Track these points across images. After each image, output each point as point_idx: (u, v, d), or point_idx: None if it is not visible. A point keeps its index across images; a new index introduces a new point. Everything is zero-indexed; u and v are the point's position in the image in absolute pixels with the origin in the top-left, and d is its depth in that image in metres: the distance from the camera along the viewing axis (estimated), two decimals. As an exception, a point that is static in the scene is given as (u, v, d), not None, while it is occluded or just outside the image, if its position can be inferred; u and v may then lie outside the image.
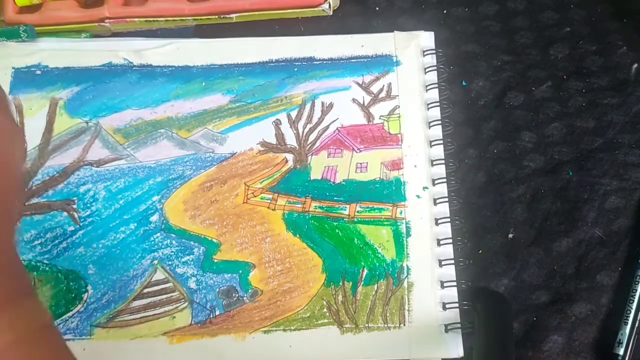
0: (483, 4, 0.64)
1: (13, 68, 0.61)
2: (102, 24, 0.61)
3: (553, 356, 0.53)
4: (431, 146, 0.58)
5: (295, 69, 0.61)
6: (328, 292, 0.54)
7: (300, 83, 0.61)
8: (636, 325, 0.53)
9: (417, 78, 0.60)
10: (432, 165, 0.57)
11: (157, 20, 0.62)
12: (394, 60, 0.61)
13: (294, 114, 0.60)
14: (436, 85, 0.60)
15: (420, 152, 0.58)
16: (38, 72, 0.61)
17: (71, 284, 0.54)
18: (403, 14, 0.64)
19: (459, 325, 0.52)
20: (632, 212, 0.57)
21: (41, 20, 0.61)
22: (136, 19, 0.61)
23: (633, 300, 0.54)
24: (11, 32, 0.60)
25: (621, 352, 0.52)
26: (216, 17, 0.62)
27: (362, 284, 0.54)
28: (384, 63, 0.61)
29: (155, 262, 0.55)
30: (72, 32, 0.62)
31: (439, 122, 0.59)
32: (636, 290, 0.54)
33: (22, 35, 0.60)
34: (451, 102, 0.60)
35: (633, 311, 0.53)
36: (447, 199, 0.56)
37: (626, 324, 0.53)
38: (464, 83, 0.61)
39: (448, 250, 0.55)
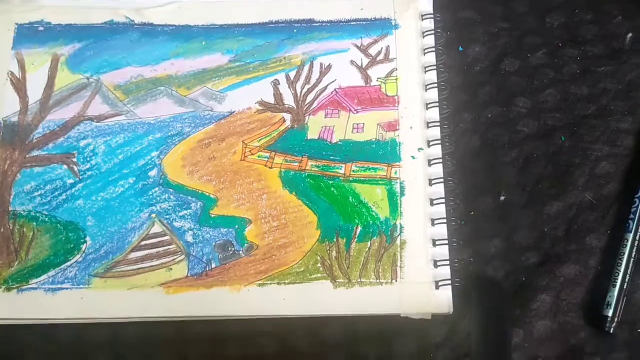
0: (482, -29, 0.65)
1: (16, 24, 0.62)
2: (105, -19, 0.62)
3: (541, 315, 0.54)
4: (427, 109, 0.59)
5: (295, 30, 0.62)
6: (322, 248, 0.55)
7: (299, 44, 0.62)
8: (624, 287, 0.54)
9: (414, 41, 0.61)
10: (428, 127, 0.58)
11: (159, -21, 0.62)
12: (393, 23, 0.62)
13: (292, 74, 0.61)
14: (433, 49, 0.61)
15: (416, 114, 0.59)
16: (40, 28, 0.62)
17: (70, 234, 0.55)
18: (403, -21, 0.64)
19: (449, 282, 0.54)
20: (622, 177, 0.58)
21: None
22: (138, -23, 0.62)
23: (621, 263, 0.55)
24: (14, -14, 0.61)
25: (610, 313, 0.53)
26: (218, -23, 0.63)
27: (355, 240, 0.55)
28: (383, 26, 0.62)
29: (153, 215, 0.56)
30: (75, -12, 0.63)
31: (435, 85, 0.59)
32: (624, 253, 0.55)
33: (24, -10, 0.60)
34: (447, 67, 0.61)
35: (621, 273, 0.54)
36: (441, 160, 0.57)
37: (614, 286, 0.54)
38: (460, 48, 0.62)
39: (441, 210, 0.56)
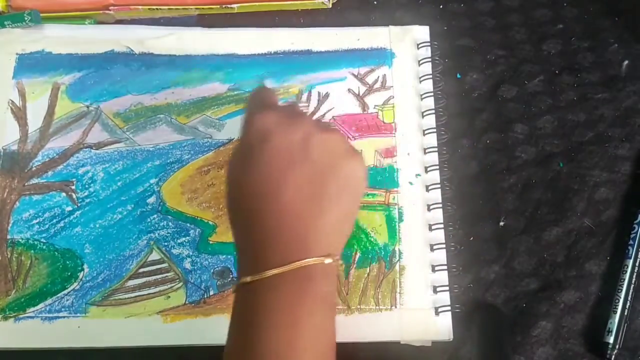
0: (478, 0, 0.66)
1: (17, 54, 0.62)
2: (106, 11, 0.63)
3: (542, 341, 0.54)
4: (424, 135, 0.59)
5: (293, 61, 0.63)
6: (321, 274, 0.55)
7: (298, 74, 0.62)
8: (625, 313, 0.54)
9: (411, 69, 0.62)
10: (425, 153, 0.59)
11: (160, 9, 0.63)
12: (389, 52, 0.63)
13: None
14: (430, 77, 0.61)
15: (414, 140, 0.59)
16: (41, 57, 0.62)
17: (67, 262, 0.55)
18: (400, 8, 0.65)
19: (449, 308, 0.53)
20: (621, 203, 0.58)
21: (47, 6, 0.62)
22: (140, 7, 0.63)
23: (621, 290, 0.54)
24: (16, 16, 0.61)
25: (611, 340, 0.53)
26: (218, 6, 0.64)
27: (354, 266, 0.55)
28: (379, 56, 0.63)
29: (152, 242, 0.56)
30: (77, 18, 0.63)
31: (433, 112, 0.60)
32: (624, 279, 0.55)
33: (26, 19, 0.61)
34: (446, 94, 0.61)
35: (621, 300, 0.54)
36: (439, 185, 0.57)
37: (615, 312, 0.54)
38: (458, 76, 0.63)
39: (439, 236, 0.56)
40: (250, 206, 0.42)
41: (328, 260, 0.40)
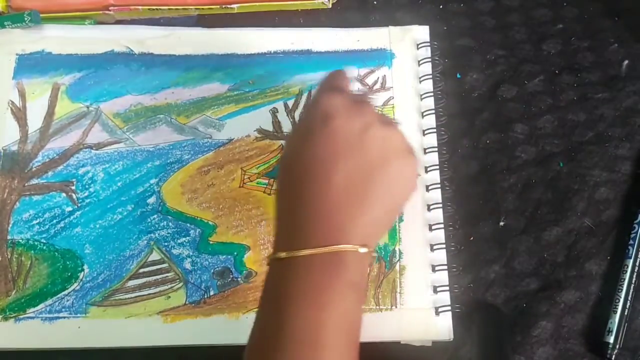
0: (478, 0, 0.66)
1: (17, 54, 0.62)
2: (106, 11, 0.63)
3: (542, 342, 0.54)
4: (424, 135, 0.59)
5: (293, 61, 0.63)
6: (321, 274, 0.55)
7: (298, 74, 0.62)
8: (625, 313, 0.54)
9: (411, 70, 0.62)
10: (425, 153, 0.59)
11: (160, 9, 0.63)
12: (389, 53, 0.63)
13: (290, 103, 0.61)
14: (430, 77, 0.61)
15: (414, 140, 0.59)
16: (41, 58, 0.62)
17: (68, 262, 0.55)
18: (400, 8, 0.65)
19: (449, 308, 0.53)
20: (621, 203, 0.58)
21: (46, 6, 0.62)
22: (140, 7, 0.63)
23: (621, 289, 0.54)
24: (16, 17, 0.61)
25: (611, 340, 0.53)
26: (218, 7, 0.64)
27: (354, 266, 0.55)
28: (379, 57, 0.63)
29: (152, 243, 0.56)
30: (77, 18, 0.63)
31: (432, 112, 0.60)
32: (624, 279, 0.55)
33: (26, 20, 0.61)
34: (445, 94, 0.61)
35: (622, 300, 0.54)
36: (439, 186, 0.57)
37: (615, 312, 0.54)
38: (458, 76, 0.63)
39: (439, 236, 0.56)
40: (298, 184, 0.42)
41: (363, 250, 0.41)
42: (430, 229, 0.56)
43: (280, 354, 0.39)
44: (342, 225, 0.41)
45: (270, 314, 0.41)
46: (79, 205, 0.57)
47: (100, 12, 0.63)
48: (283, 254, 0.41)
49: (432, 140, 0.59)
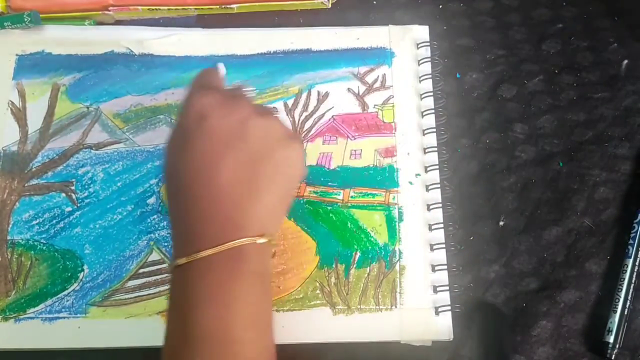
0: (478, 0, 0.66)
1: (17, 55, 0.62)
2: (106, 12, 0.63)
3: (542, 341, 0.54)
4: (424, 134, 0.59)
5: (293, 60, 0.63)
6: (321, 274, 0.55)
7: (297, 73, 0.62)
8: (625, 313, 0.54)
9: (411, 69, 0.62)
10: (425, 153, 0.59)
11: (159, 9, 0.63)
12: (389, 52, 0.63)
13: (290, 102, 0.61)
14: (430, 76, 0.61)
15: (413, 140, 0.59)
16: (41, 58, 0.62)
17: (67, 263, 0.55)
18: (399, 8, 0.65)
19: (449, 308, 0.53)
20: (621, 202, 0.58)
21: (46, 6, 0.62)
22: (139, 8, 0.63)
23: (621, 289, 0.54)
24: (16, 17, 0.61)
25: (611, 339, 0.53)
26: (218, 7, 0.64)
27: (354, 266, 0.55)
28: (379, 55, 0.63)
29: (152, 243, 0.56)
30: (76, 19, 0.63)
31: (432, 111, 0.60)
32: (624, 279, 0.55)
33: (26, 20, 0.61)
34: (445, 94, 0.61)
35: (621, 299, 0.54)
36: (439, 185, 0.57)
37: (615, 312, 0.54)
38: (458, 75, 0.63)
39: (439, 235, 0.56)
40: (185, 189, 0.42)
41: (261, 240, 0.41)
42: (430, 229, 0.56)
43: (192, 354, 0.39)
44: (235, 220, 0.41)
45: (179, 319, 0.41)
46: (79, 205, 0.57)
47: (100, 12, 0.63)
48: (183, 260, 0.41)
49: (432, 140, 0.59)
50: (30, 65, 0.62)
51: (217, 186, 0.41)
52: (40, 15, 0.62)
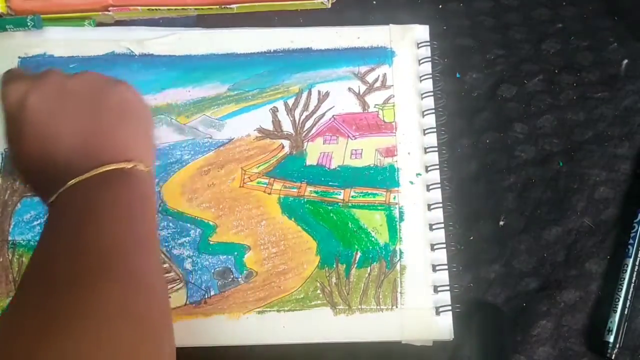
0: (478, -1, 0.66)
1: (19, 57, 0.62)
2: (106, 12, 0.63)
3: (542, 341, 0.54)
4: (425, 134, 0.59)
5: (293, 59, 0.63)
6: (322, 274, 0.55)
7: (298, 73, 0.62)
8: (625, 312, 0.54)
9: (411, 69, 0.62)
10: (426, 152, 0.59)
11: (159, 9, 0.63)
12: (389, 51, 0.63)
13: (290, 101, 0.61)
14: (430, 76, 0.61)
15: (414, 140, 0.59)
16: (43, 61, 0.62)
17: (69, 263, 0.55)
18: (399, 7, 0.65)
19: (450, 308, 0.53)
20: (621, 202, 0.58)
21: (46, 7, 0.62)
22: (139, 8, 0.63)
23: (621, 289, 0.54)
24: (19, 20, 0.62)
25: (611, 339, 0.53)
26: (217, 7, 0.64)
27: (355, 266, 0.55)
28: (380, 54, 0.63)
29: (152, 243, 0.56)
30: (76, 19, 0.63)
31: (433, 111, 0.60)
32: (624, 278, 0.55)
33: (29, 24, 0.61)
34: (445, 94, 0.61)
35: (622, 299, 0.54)
36: (439, 185, 0.57)
37: (615, 311, 0.54)
38: (457, 75, 0.63)
39: (440, 235, 0.56)
40: (37, 164, 0.42)
41: (130, 165, 0.41)
42: (431, 229, 0.56)
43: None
44: (94, 156, 0.41)
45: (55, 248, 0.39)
46: (80, 205, 0.57)
47: (100, 12, 0.63)
48: (53, 197, 0.41)
49: (432, 139, 0.59)
50: (33, 67, 0.62)
51: (64, 148, 0.42)
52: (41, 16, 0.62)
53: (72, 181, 0.40)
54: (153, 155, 0.46)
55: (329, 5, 0.65)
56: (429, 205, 0.57)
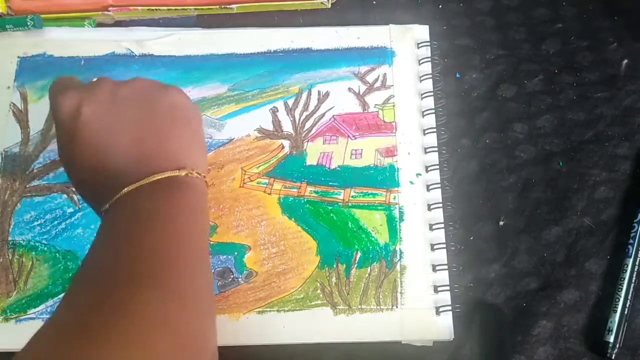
0: (477, -1, 0.66)
1: (18, 57, 0.62)
2: (106, 12, 0.63)
3: (542, 341, 0.54)
4: (425, 134, 0.59)
5: (293, 59, 0.63)
6: (322, 274, 0.55)
7: (298, 73, 0.62)
8: (625, 312, 0.54)
9: (411, 69, 0.62)
10: (426, 152, 0.59)
11: (159, 9, 0.63)
12: (390, 51, 0.63)
13: (290, 102, 0.61)
14: (430, 76, 0.61)
15: (414, 140, 0.59)
16: (43, 61, 0.62)
17: (69, 263, 0.55)
18: (399, 8, 0.65)
19: (450, 308, 0.53)
20: (621, 202, 0.58)
21: (46, 7, 0.63)
22: (139, 8, 0.63)
23: (621, 289, 0.54)
24: (19, 20, 0.62)
25: (611, 339, 0.53)
26: (217, 7, 0.64)
27: (355, 266, 0.55)
28: (380, 54, 0.63)
29: (152, 243, 0.56)
30: (76, 19, 0.64)
31: (433, 111, 0.60)
32: (624, 278, 0.55)
33: (29, 24, 0.61)
34: (445, 94, 0.61)
35: (622, 299, 0.54)
36: (439, 185, 0.57)
37: (615, 311, 0.54)
38: (457, 75, 0.63)
39: (440, 235, 0.56)
40: (90, 174, 0.43)
41: (184, 172, 0.42)
42: (431, 229, 0.56)
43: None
44: (148, 163, 0.42)
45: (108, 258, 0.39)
46: (80, 206, 0.57)
47: (100, 12, 0.63)
48: (106, 205, 0.41)
49: (432, 139, 0.59)
50: (32, 67, 0.62)
51: (119, 156, 0.42)
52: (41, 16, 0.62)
53: (125, 190, 0.41)
54: (206, 160, 0.46)
55: (329, 5, 0.65)
56: (429, 205, 0.57)
